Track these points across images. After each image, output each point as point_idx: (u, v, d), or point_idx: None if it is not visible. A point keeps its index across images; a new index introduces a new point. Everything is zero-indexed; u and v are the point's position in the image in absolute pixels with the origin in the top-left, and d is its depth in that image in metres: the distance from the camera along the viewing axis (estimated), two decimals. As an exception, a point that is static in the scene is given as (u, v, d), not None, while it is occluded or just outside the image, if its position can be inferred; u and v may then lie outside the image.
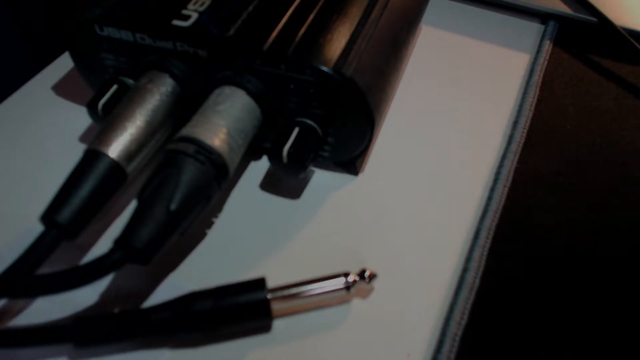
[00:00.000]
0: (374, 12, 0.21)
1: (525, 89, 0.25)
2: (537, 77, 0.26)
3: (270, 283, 0.16)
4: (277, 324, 0.17)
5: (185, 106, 0.19)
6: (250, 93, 0.18)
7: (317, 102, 0.19)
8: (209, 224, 0.19)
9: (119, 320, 0.16)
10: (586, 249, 0.19)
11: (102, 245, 0.18)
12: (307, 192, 0.21)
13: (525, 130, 0.23)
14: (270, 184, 0.21)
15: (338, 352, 0.16)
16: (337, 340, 0.17)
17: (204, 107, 0.18)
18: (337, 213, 0.20)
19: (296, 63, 0.18)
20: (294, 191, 0.21)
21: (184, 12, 0.19)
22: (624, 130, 0.24)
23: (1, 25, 0.28)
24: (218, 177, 0.17)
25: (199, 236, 0.19)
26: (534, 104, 0.24)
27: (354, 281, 0.17)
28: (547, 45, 0.27)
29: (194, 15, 0.19)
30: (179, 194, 0.16)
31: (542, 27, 0.29)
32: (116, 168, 0.17)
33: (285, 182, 0.21)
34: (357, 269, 0.17)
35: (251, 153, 0.21)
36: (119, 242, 0.15)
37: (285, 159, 0.18)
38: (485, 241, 0.19)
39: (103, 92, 0.20)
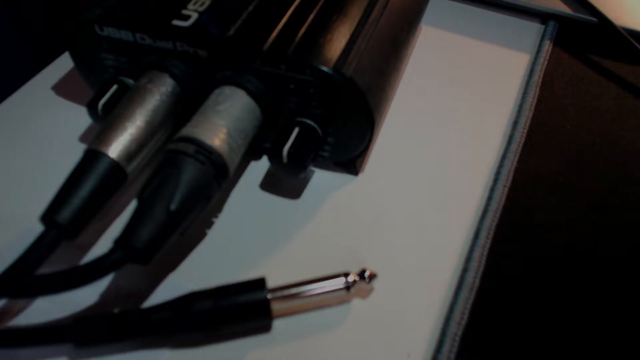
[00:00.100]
0: (374, 12, 0.21)
1: (525, 89, 0.25)
2: (537, 77, 0.26)
3: (270, 283, 0.16)
4: (277, 324, 0.17)
5: (185, 106, 0.19)
6: (250, 93, 0.18)
7: (317, 102, 0.19)
8: (209, 224, 0.19)
9: (119, 320, 0.16)
10: (586, 249, 0.19)
11: (102, 245, 0.18)
12: (307, 192, 0.21)
13: (525, 130, 0.23)
14: (270, 184, 0.21)
15: (338, 352, 0.16)
16: (337, 340, 0.17)
17: (204, 107, 0.18)
18: (337, 213, 0.20)
19: (296, 63, 0.18)
20: (294, 191, 0.21)
21: (184, 12, 0.19)
22: (624, 130, 0.24)
23: (1, 25, 0.28)
24: (218, 177, 0.17)
25: (199, 236, 0.19)
26: (534, 104, 0.24)
27: (354, 281, 0.17)
28: (547, 45, 0.27)
29: (194, 15, 0.19)
30: (179, 194, 0.16)
31: (542, 27, 0.29)
32: (116, 168, 0.17)
33: (285, 182, 0.21)
34: (357, 269, 0.17)
35: (251, 153, 0.21)
36: (119, 242, 0.15)
37: (285, 159, 0.18)
38: (485, 241, 0.19)
39: (103, 92, 0.20)
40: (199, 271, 0.18)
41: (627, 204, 0.21)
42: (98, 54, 0.20)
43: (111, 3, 0.20)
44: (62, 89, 0.24)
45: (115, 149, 0.17)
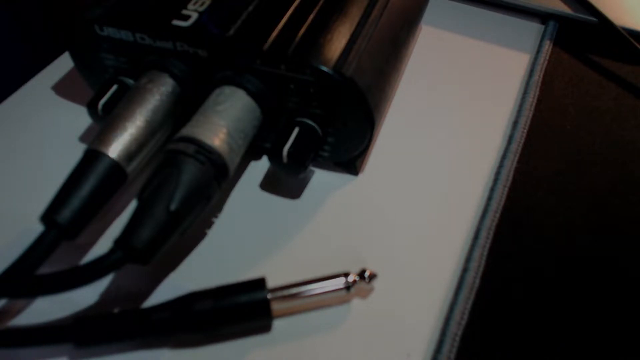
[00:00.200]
0: (374, 12, 0.21)
1: (525, 89, 0.25)
2: (537, 77, 0.26)
3: (270, 283, 0.16)
4: (277, 324, 0.17)
5: (185, 106, 0.19)
6: (250, 93, 0.18)
7: (317, 102, 0.19)
8: (209, 224, 0.19)
9: (119, 320, 0.16)
10: (586, 249, 0.19)
11: (102, 245, 0.18)
12: (307, 192, 0.21)
13: (525, 130, 0.23)
14: (270, 184, 0.21)
15: (338, 352, 0.16)
16: (337, 340, 0.17)
17: (204, 107, 0.18)
18: (337, 213, 0.20)
19: (296, 63, 0.18)
20: (294, 191, 0.21)
21: (184, 12, 0.19)
22: (624, 130, 0.24)
23: (1, 25, 0.28)
24: (218, 177, 0.17)
25: (199, 236, 0.19)
26: (534, 104, 0.24)
27: (354, 281, 0.17)
28: (547, 45, 0.27)
29: (194, 15, 0.19)
30: (179, 194, 0.16)
31: (542, 27, 0.29)
32: (116, 168, 0.17)
33: (285, 182, 0.21)
34: (357, 269, 0.17)
35: (251, 153, 0.21)
36: (119, 242, 0.15)
37: (285, 159, 0.18)
38: (485, 241, 0.19)
39: (103, 92, 0.20)
40: (199, 271, 0.18)
41: (627, 204, 0.21)
42: (98, 54, 0.20)
43: (111, 3, 0.20)
44: (62, 89, 0.24)
45: (115, 149, 0.17)
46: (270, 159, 0.19)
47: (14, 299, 0.17)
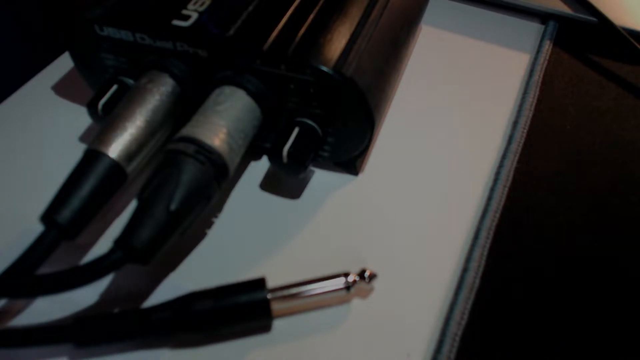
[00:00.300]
0: (374, 12, 0.21)
1: (525, 89, 0.25)
2: (537, 77, 0.26)
3: (270, 283, 0.16)
4: (277, 324, 0.17)
5: (185, 106, 0.19)
6: (250, 93, 0.18)
7: (317, 102, 0.19)
8: (209, 224, 0.19)
9: (119, 320, 0.16)
10: (586, 249, 0.19)
11: (102, 245, 0.18)
12: (307, 192, 0.21)
13: (525, 130, 0.23)
14: (270, 184, 0.21)
15: (338, 352, 0.16)
16: (337, 341, 0.17)
17: (204, 107, 0.18)
18: (337, 213, 0.20)
19: (296, 63, 0.18)
20: (294, 191, 0.21)
21: (184, 12, 0.19)
22: (624, 130, 0.24)
23: (1, 25, 0.28)
24: (218, 177, 0.17)
25: (199, 236, 0.19)
26: (534, 104, 0.24)
27: (354, 281, 0.17)
28: (547, 45, 0.27)
29: (194, 15, 0.19)
30: (179, 194, 0.16)
31: (542, 27, 0.29)
32: (116, 168, 0.17)
33: (285, 182, 0.21)
34: (357, 269, 0.17)
35: (251, 153, 0.21)
36: (119, 242, 0.15)
37: (285, 159, 0.18)
38: (485, 241, 0.19)
39: (103, 92, 0.20)
40: (199, 271, 0.18)
41: (627, 204, 0.21)
42: (98, 54, 0.20)
43: (111, 3, 0.20)
44: (62, 89, 0.24)
45: (115, 149, 0.17)
46: (270, 159, 0.19)
47: (14, 299, 0.17)
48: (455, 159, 0.22)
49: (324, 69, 0.18)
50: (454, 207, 0.20)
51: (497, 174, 0.21)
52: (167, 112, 0.19)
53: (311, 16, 0.19)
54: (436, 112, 0.24)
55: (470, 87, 0.25)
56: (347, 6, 0.20)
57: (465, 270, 0.18)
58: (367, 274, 0.17)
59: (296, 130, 0.19)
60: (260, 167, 0.21)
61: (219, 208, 0.20)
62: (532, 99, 0.24)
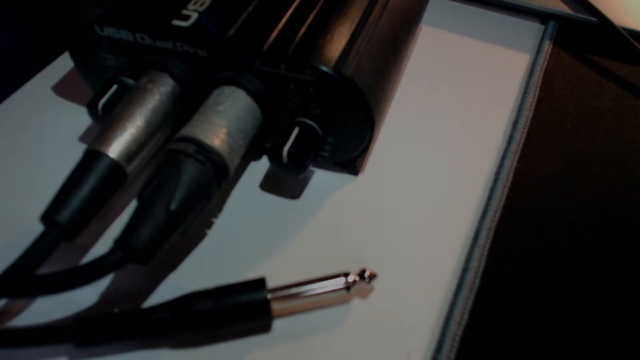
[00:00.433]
0: (374, 12, 0.21)
1: (525, 89, 0.25)
2: (537, 77, 0.26)
3: (270, 283, 0.16)
4: (277, 324, 0.17)
5: (185, 106, 0.19)
6: (250, 93, 0.18)
7: (317, 102, 0.19)
8: (209, 224, 0.19)
9: (119, 320, 0.16)
10: (586, 249, 0.19)
11: (102, 245, 0.18)
12: (307, 192, 0.21)
13: (525, 130, 0.23)
14: (270, 184, 0.21)
15: (338, 352, 0.16)
16: (337, 341, 0.17)
17: (204, 107, 0.18)
18: (337, 213, 0.20)
19: (296, 63, 0.18)
20: (294, 191, 0.21)
21: (184, 12, 0.19)
22: (624, 130, 0.24)
23: (1, 25, 0.28)
24: (218, 177, 0.17)
25: (199, 236, 0.19)
26: (534, 104, 0.24)
27: (354, 281, 0.17)
28: (547, 45, 0.27)
29: (194, 15, 0.19)
30: (179, 194, 0.16)
31: (542, 27, 0.29)
32: (116, 168, 0.17)
33: (285, 182, 0.21)
34: (357, 269, 0.17)
35: (251, 153, 0.21)
36: (119, 242, 0.15)
37: (285, 159, 0.18)
38: (485, 241, 0.19)
39: (103, 92, 0.20)
40: (199, 271, 0.18)
41: (627, 204, 0.21)
42: (98, 54, 0.20)
43: (111, 3, 0.20)
44: (62, 89, 0.24)
45: (115, 149, 0.17)
46: (270, 159, 0.19)
47: (14, 299, 0.17)
48: (455, 159, 0.22)
49: (324, 69, 0.18)
50: (454, 207, 0.20)
51: (497, 174, 0.21)
52: (167, 112, 0.19)
53: (311, 16, 0.20)
54: (436, 112, 0.24)
55: (470, 87, 0.25)
56: (347, 6, 0.20)
57: (465, 270, 0.18)
58: (367, 274, 0.17)
59: (296, 130, 0.19)
60: (260, 167, 0.21)
61: (219, 208, 0.20)
62: (532, 99, 0.24)
